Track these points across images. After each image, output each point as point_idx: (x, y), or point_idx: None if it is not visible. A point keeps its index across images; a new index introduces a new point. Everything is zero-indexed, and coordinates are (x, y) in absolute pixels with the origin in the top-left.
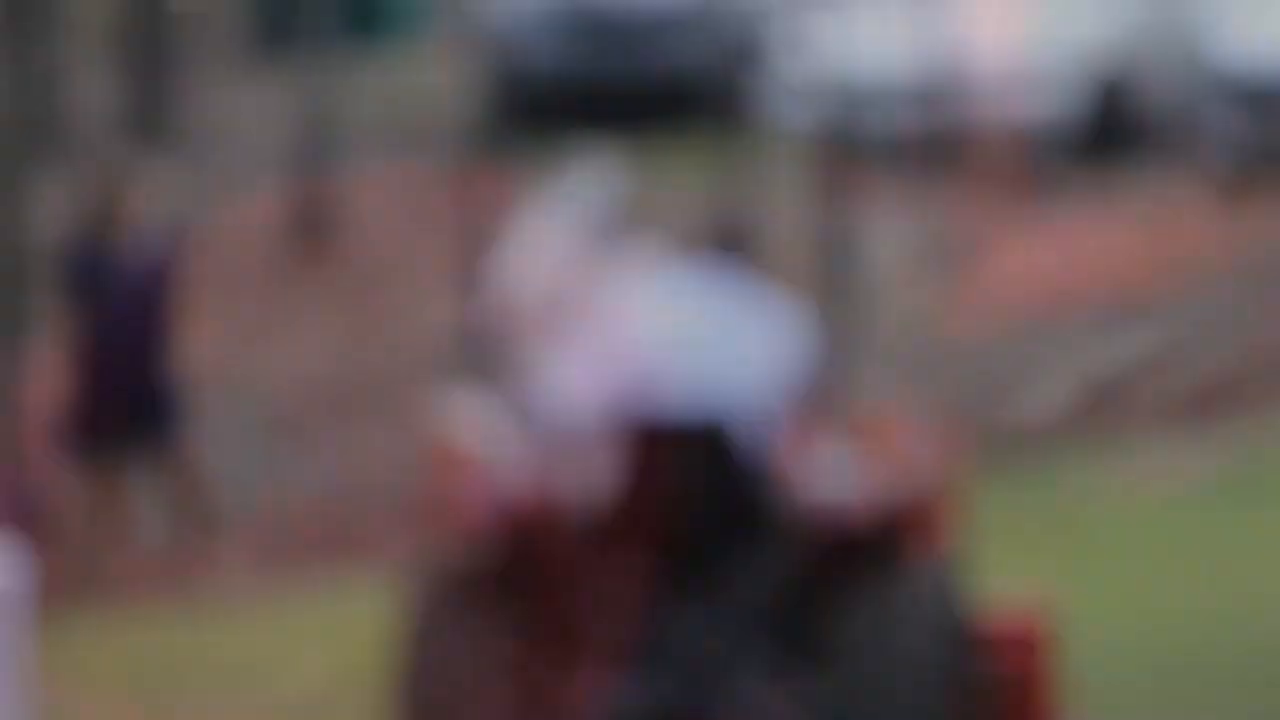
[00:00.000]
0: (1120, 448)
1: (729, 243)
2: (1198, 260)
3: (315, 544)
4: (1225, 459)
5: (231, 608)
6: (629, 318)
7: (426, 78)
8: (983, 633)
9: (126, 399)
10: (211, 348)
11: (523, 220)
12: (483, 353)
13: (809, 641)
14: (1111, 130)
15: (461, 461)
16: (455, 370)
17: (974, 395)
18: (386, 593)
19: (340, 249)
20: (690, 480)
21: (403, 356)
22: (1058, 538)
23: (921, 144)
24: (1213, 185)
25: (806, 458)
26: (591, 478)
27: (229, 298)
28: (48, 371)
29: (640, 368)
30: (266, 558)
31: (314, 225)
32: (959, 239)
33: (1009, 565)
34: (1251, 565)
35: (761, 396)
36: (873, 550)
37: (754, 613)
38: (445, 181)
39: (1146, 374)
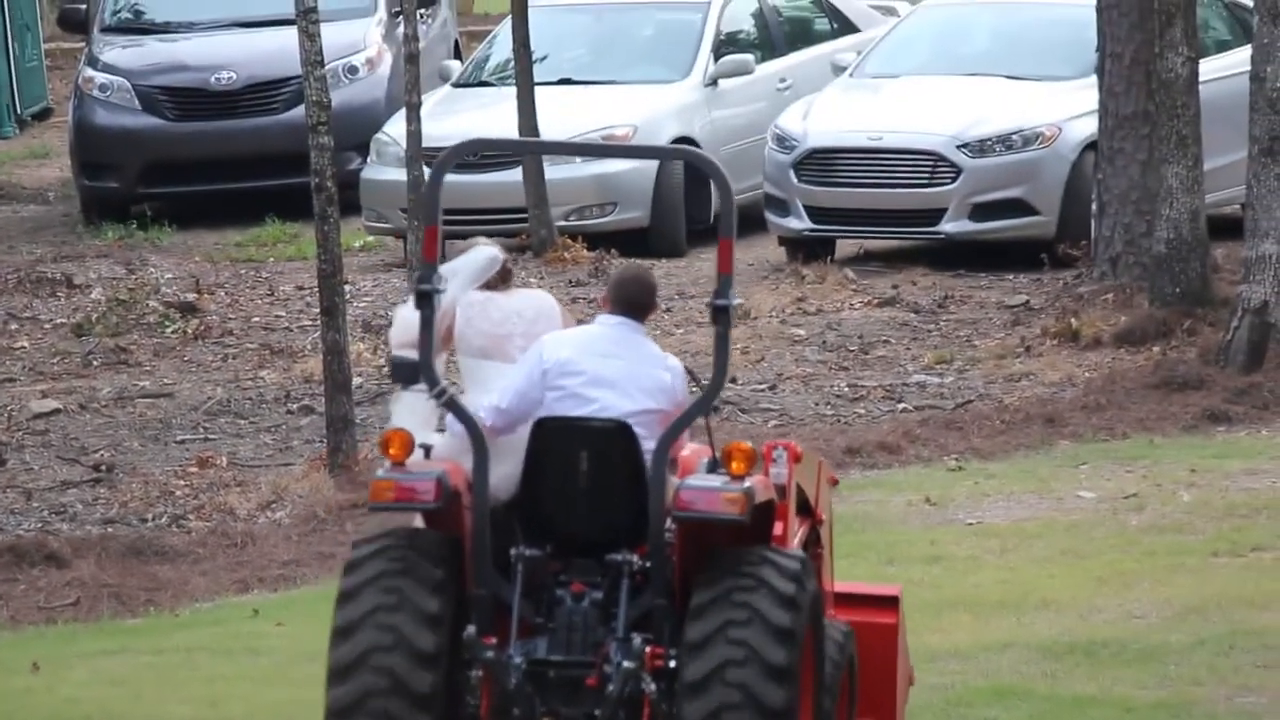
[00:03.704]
0: None
1: (632, 299)
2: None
3: None
4: None
5: None
6: (547, 341)
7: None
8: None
9: None
10: None
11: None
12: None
13: (678, 607)
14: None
15: (405, 443)
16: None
17: None
18: None
19: None
20: (596, 468)
21: None
22: None
23: None
24: None
25: (686, 465)
26: (509, 466)
27: None
28: None
29: (555, 377)
30: None
31: None
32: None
33: None
34: None
35: (653, 411)
36: (739, 536)
37: (635, 584)
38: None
39: None
